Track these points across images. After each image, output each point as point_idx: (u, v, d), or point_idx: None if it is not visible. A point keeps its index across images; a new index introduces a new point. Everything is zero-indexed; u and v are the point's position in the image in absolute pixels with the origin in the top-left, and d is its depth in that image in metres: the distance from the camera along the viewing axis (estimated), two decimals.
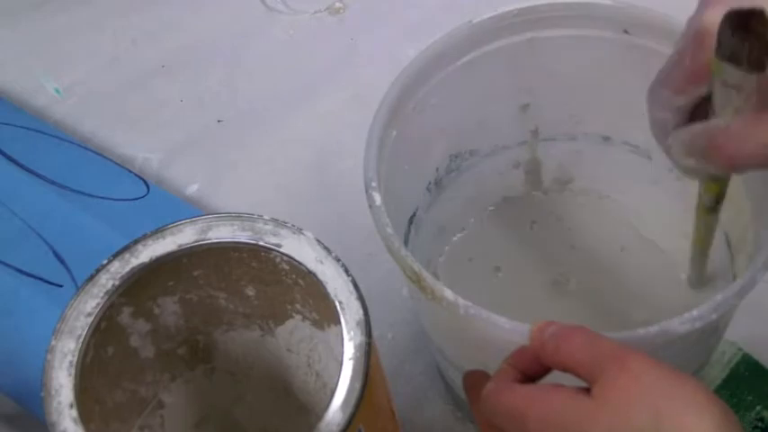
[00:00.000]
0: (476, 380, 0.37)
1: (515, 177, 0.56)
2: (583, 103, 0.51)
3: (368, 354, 0.34)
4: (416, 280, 0.38)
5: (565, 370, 0.32)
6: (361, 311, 0.35)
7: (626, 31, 0.46)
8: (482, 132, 0.52)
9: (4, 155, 0.61)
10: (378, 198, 0.40)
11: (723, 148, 0.33)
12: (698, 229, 0.43)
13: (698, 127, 0.34)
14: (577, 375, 0.32)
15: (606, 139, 0.53)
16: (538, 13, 0.46)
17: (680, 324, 0.35)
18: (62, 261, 0.55)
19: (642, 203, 0.54)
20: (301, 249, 0.37)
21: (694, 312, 0.35)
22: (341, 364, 0.34)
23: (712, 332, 0.43)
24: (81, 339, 0.35)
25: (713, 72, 0.32)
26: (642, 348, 0.31)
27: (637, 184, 0.53)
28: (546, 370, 0.34)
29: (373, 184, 0.41)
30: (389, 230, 0.39)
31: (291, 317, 0.43)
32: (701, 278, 0.47)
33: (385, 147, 0.44)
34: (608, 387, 0.30)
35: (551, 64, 0.48)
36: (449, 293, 0.37)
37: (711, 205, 0.40)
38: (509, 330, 0.35)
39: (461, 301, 0.36)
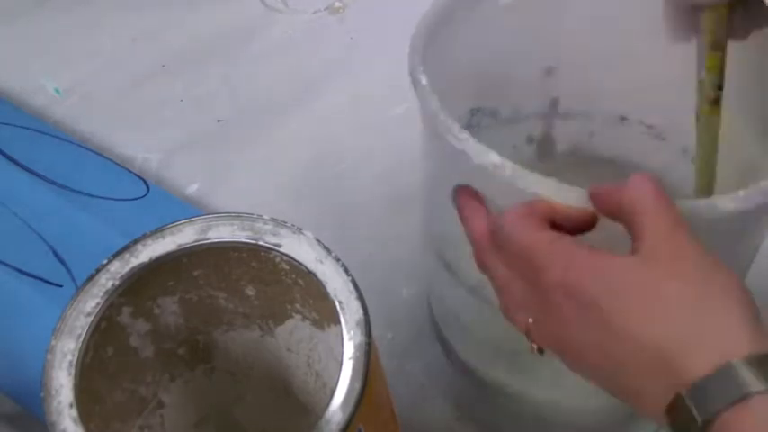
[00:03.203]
0: (472, 199, 0.37)
1: (528, 154, 0.54)
2: (605, 76, 0.50)
3: (368, 354, 0.34)
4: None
5: (619, 212, 0.31)
6: (360, 311, 0.35)
7: None
8: (505, 90, 0.50)
9: (4, 155, 0.61)
10: (424, 78, 0.40)
11: None
12: (701, 135, 0.42)
13: None
14: (630, 218, 0.31)
15: (623, 119, 0.52)
16: None
17: (729, 201, 0.34)
18: (62, 261, 0.55)
19: None
20: (301, 249, 0.37)
21: (740, 192, 0.34)
22: (341, 364, 0.34)
23: (755, 228, 0.41)
24: (81, 339, 0.35)
25: None
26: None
27: (649, 165, 0.52)
28: (585, 221, 0.33)
29: (420, 68, 0.40)
30: (435, 106, 0.38)
31: (291, 317, 0.43)
32: (709, 194, 0.46)
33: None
34: (653, 248, 0.30)
35: (581, 30, 0.47)
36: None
37: (715, 93, 0.40)
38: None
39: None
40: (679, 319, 0.29)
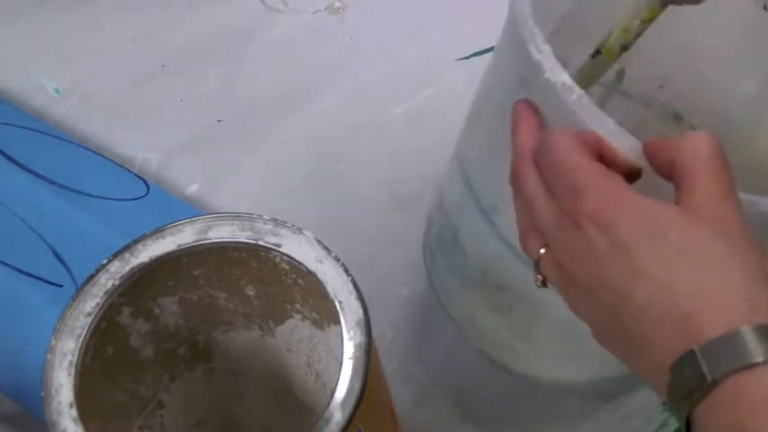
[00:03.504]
0: (529, 108, 0.35)
1: None
2: (675, 70, 0.49)
3: (368, 353, 0.34)
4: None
5: (670, 168, 0.31)
6: (360, 311, 0.35)
7: (765, 7, 0.44)
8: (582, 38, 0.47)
9: (4, 155, 0.61)
10: None
11: None
12: (588, 71, 0.41)
13: None
14: (680, 176, 0.30)
15: (678, 118, 0.51)
16: None
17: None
18: (62, 261, 0.55)
19: None
20: (301, 249, 0.37)
21: None
22: (341, 364, 0.34)
23: None
24: (81, 339, 0.35)
25: None
26: None
27: None
28: (626, 175, 0.32)
29: None
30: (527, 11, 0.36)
31: (291, 317, 0.43)
32: None
33: None
34: (707, 208, 0.29)
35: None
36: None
37: (631, 43, 0.40)
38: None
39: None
40: (711, 277, 0.28)
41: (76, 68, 0.74)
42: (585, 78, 0.42)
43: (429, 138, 0.66)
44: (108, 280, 0.37)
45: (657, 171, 0.32)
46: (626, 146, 0.32)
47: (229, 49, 0.75)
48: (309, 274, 0.36)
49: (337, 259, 0.36)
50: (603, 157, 0.32)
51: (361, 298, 0.35)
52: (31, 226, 0.57)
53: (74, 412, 0.33)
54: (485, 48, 0.73)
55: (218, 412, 0.47)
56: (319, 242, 0.37)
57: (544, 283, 0.34)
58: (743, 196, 0.32)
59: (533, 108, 0.36)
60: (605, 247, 0.30)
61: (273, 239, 0.37)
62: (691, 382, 0.27)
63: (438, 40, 0.73)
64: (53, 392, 0.34)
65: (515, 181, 0.35)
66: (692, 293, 0.28)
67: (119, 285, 0.37)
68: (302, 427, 0.45)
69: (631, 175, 0.32)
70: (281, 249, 0.37)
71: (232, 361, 0.45)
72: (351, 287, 0.36)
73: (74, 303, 0.36)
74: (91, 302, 0.36)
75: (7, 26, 0.78)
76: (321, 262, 0.36)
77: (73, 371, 0.34)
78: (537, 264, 0.34)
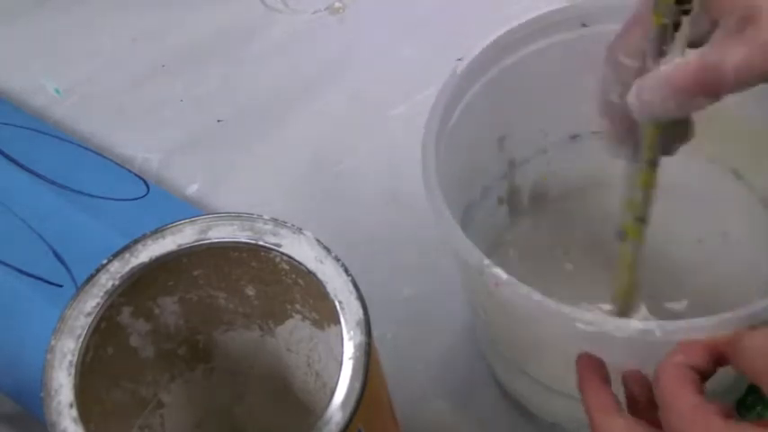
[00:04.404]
0: (593, 365, 0.37)
1: (502, 216, 0.55)
2: (551, 113, 0.51)
3: (368, 353, 0.34)
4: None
5: (745, 373, 0.32)
6: (360, 311, 0.35)
7: (584, 24, 0.47)
8: (473, 180, 0.51)
9: (4, 155, 0.61)
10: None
11: (703, 77, 0.33)
12: (624, 255, 0.41)
13: (671, 65, 0.34)
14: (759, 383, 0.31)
15: (574, 137, 0.53)
16: (504, 42, 0.47)
17: None
18: (62, 261, 0.55)
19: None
20: (301, 249, 0.37)
21: None
22: (341, 364, 0.34)
23: None
24: (81, 339, 0.35)
25: (655, 19, 0.34)
26: None
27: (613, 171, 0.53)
28: (715, 368, 0.33)
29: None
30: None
31: (291, 317, 0.43)
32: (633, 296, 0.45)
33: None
34: None
35: (519, 87, 0.48)
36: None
37: (645, 212, 0.39)
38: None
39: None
40: None
41: (76, 68, 0.74)
42: (629, 264, 0.42)
43: None
44: (108, 280, 0.37)
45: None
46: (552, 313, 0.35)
47: (229, 49, 0.75)
48: (309, 274, 0.36)
49: (337, 259, 0.36)
50: (716, 356, 0.33)
51: (361, 298, 0.35)
52: (31, 226, 0.57)
53: (74, 412, 0.33)
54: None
55: (218, 412, 0.47)
56: (319, 242, 0.37)
57: None
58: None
59: (598, 363, 0.37)
60: None
61: (273, 239, 0.37)
62: None
63: (438, 40, 0.73)
64: (53, 392, 0.34)
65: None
66: None
67: (119, 285, 0.37)
68: (302, 427, 0.45)
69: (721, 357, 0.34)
70: (281, 249, 0.37)
71: (232, 361, 0.45)
72: (351, 287, 0.36)
73: (74, 303, 0.36)
74: (91, 302, 0.36)
75: (7, 26, 0.78)
76: (321, 262, 0.36)
77: (73, 371, 0.34)
78: None
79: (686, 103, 0.34)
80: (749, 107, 0.43)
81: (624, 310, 0.44)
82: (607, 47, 0.37)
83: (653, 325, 0.34)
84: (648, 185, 0.39)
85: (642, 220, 0.40)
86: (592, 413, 0.35)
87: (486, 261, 0.37)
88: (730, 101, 0.35)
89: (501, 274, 0.37)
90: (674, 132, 0.38)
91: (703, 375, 0.34)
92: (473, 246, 0.38)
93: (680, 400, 0.32)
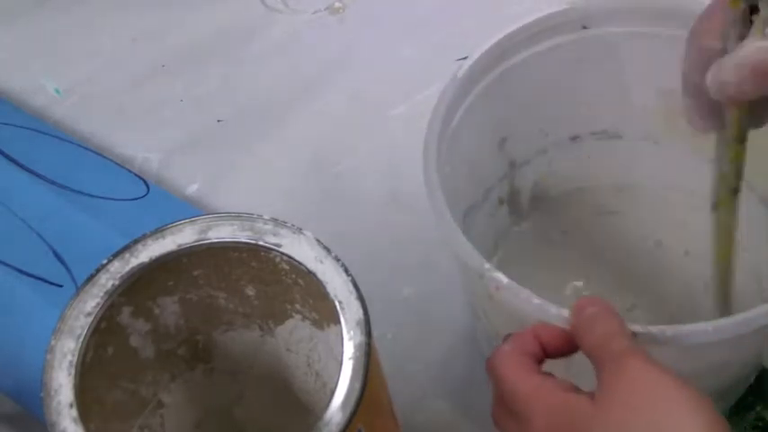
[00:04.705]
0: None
1: (503, 215, 0.55)
2: (551, 114, 0.51)
3: (368, 354, 0.34)
4: None
5: (587, 355, 0.33)
6: (360, 311, 0.35)
7: (584, 27, 0.47)
8: (474, 181, 0.51)
9: (4, 155, 0.61)
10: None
11: None
12: (720, 227, 0.42)
13: (748, 48, 0.35)
14: (589, 357, 0.33)
15: (574, 138, 0.53)
16: (505, 45, 0.47)
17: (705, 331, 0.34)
18: (62, 261, 0.55)
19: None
20: (301, 249, 0.37)
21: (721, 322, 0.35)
22: (341, 364, 0.34)
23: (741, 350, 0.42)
24: (81, 339, 0.35)
25: (731, 3, 0.35)
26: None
27: (611, 168, 0.54)
28: (569, 350, 0.35)
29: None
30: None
31: (291, 317, 0.43)
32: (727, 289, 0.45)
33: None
34: (606, 391, 0.31)
35: (520, 89, 0.49)
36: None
37: (737, 183, 0.40)
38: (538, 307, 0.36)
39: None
40: None
41: (76, 68, 0.74)
42: (723, 235, 0.42)
43: None
44: (108, 280, 0.37)
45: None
46: (557, 318, 0.35)
47: (229, 49, 0.75)
48: (309, 274, 0.36)
49: (337, 259, 0.36)
50: (544, 342, 0.35)
51: (361, 298, 0.35)
52: (31, 226, 0.57)
53: (74, 412, 0.33)
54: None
55: (218, 412, 0.47)
56: (319, 242, 0.37)
57: None
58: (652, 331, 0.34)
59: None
60: None
61: (273, 239, 0.37)
62: None
63: (438, 40, 0.73)
64: (53, 392, 0.34)
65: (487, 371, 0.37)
66: None
67: (119, 285, 0.37)
68: (302, 427, 0.45)
69: (575, 346, 0.35)
70: (281, 249, 0.37)
71: (232, 361, 0.45)
72: (351, 287, 0.36)
73: (74, 303, 0.36)
74: (91, 302, 0.36)
75: (7, 26, 0.78)
76: (321, 262, 0.36)
77: (73, 371, 0.34)
78: None
79: (763, 85, 0.35)
80: None
81: (723, 293, 0.44)
82: (690, 29, 0.38)
83: (650, 329, 0.34)
84: (738, 159, 0.39)
85: (735, 190, 0.40)
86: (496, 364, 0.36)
87: (487, 265, 0.38)
88: None
89: (501, 278, 0.37)
90: (760, 108, 0.38)
91: (536, 359, 0.35)
92: (474, 249, 0.39)
93: (523, 384, 0.33)
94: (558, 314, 0.35)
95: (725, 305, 0.44)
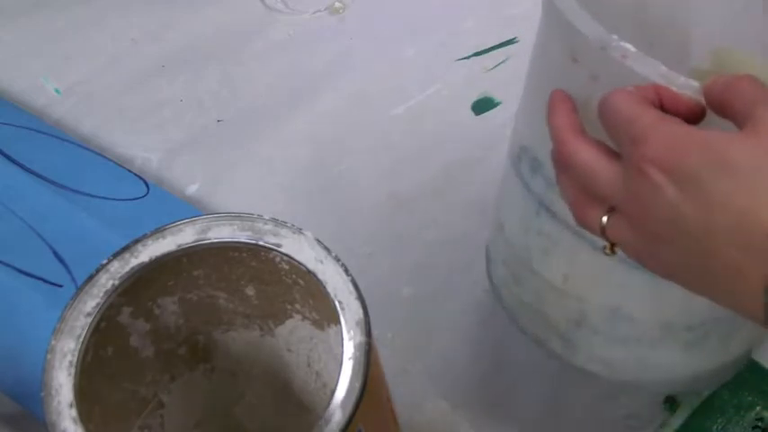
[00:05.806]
0: (564, 97, 0.36)
1: None
2: None
3: (368, 353, 0.34)
4: None
5: (722, 106, 0.31)
6: (360, 311, 0.35)
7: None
8: None
9: (4, 155, 0.61)
10: None
11: None
12: None
13: None
14: (732, 112, 0.30)
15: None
16: None
17: None
18: (62, 261, 0.55)
19: None
20: (301, 249, 0.37)
21: None
22: (341, 364, 0.34)
23: None
24: (81, 339, 0.35)
25: None
26: None
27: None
28: (687, 116, 0.32)
29: None
30: None
31: (291, 317, 0.43)
32: None
33: None
34: (760, 124, 0.29)
35: None
36: None
37: None
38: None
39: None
40: None
41: (76, 68, 0.74)
42: None
43: (429, 138, 0.66)
44: (108, 280, 0.37)
45: (717, 110, 0.32)
46: (683, 88, 0.32)
47: (229, 49, 0.75)
48: (309, 274, 0.36)
49: (337, 259, 0.36)
50: (665, 104, 0.32)
51: (361, 298, 0.35)
52: (31, 226, 0.57)
53: (74, 412, 0.33)
54: (485, 48, 0.73)
55: (218, 412, 0.47)
56: (319, 242, 0.37)
57: (613, 250, 0.34)
58: None
59: (568, 95, 0.36)
60: (675, 190, 0.30)
61: (273, 239, 0.37)
62: None
63: (438, 40, 0.74)
64: (53, 392, 0.34)
65: (562, 158, 0.35)
66: None
67: (119, 285, 0.37)
68: (302, 427, 0.45)
69: (695, 115, 0.32)
70: (281, 249, 0.37)
71: (232, 361, 0.45)
72: (351, 287, 0.36)
73: (74, 303, 0.36)
74: (91, 302, 0.36)
75: (7, 26, 0.78)
76: (321, 262, 0.36)
77: (73, 371, 0.34)
78: (603, 232, 0.34)
79: None
80: None
81: None
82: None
83: None
84: None
85: None
86: (558, 132, 0.35)
87: (615, 35, 0.34)
88: None
89: (629, 47, 0.34)
90: None
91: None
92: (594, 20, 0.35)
93: (645, 113, 0.31)
94: (685, 83, 0.33)
95: None
